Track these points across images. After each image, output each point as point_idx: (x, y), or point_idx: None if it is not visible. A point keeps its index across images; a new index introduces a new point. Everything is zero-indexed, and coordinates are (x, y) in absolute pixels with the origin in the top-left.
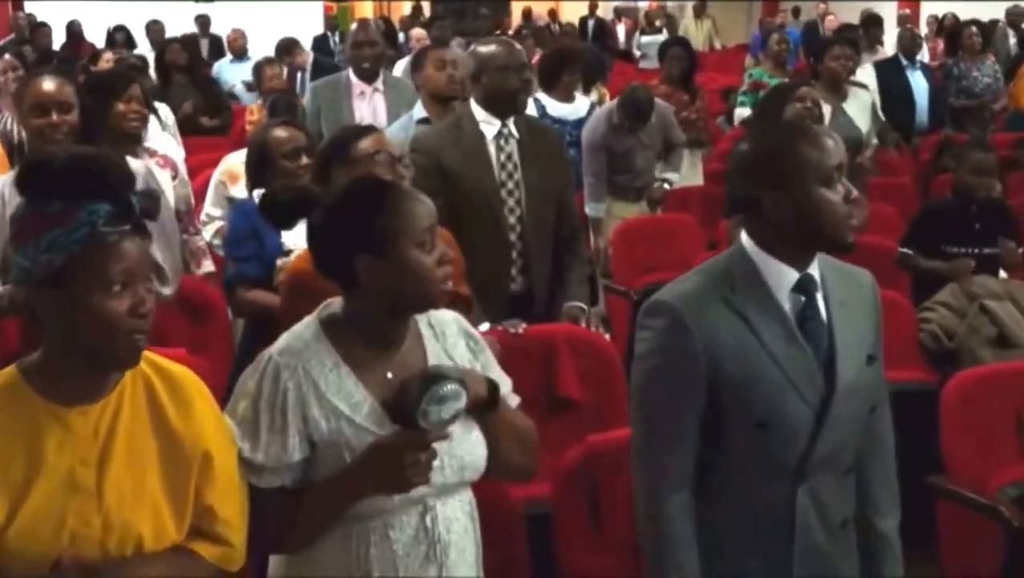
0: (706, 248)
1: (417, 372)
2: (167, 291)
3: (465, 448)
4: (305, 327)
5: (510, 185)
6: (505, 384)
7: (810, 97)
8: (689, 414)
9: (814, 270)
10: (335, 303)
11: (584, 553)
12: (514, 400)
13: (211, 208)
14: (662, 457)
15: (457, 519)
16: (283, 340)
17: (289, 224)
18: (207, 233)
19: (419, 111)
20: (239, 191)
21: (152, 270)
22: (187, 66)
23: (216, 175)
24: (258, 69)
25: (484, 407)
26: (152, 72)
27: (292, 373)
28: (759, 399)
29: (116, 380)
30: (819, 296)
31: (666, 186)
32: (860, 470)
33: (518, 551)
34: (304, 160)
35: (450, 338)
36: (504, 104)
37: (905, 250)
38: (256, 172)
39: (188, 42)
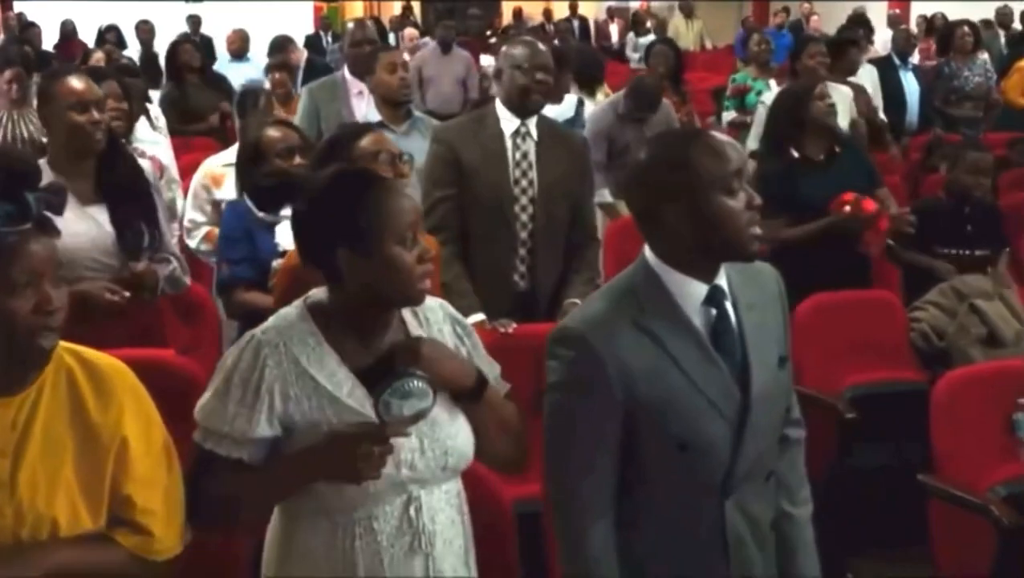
0: None
1: (399, 343)
2: (187, 279)
3: (447, 432)
4: (291, 309)
5: (523, 184)
6: (493, 370)
7: (827, 95)
8: (605, 442)
9: (721, 279)
10: (321, 290)
11: None
12: (503, 387)
13: (194, 214)
14: (580, 489)
15: (442, 510)
16: (269, 321)
17: (273, 208)
18: (194, 240)
19: (374, 115)
20: (223, 193)
21: (59, 266)
22: (200, 67)
23: (197, 180)
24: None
25: (469, 396)
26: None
27: (273, 350)
28: (677, 421)
29: (37, 374)
30: (728, 305)
31: None
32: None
33: (509, 550)
34: (298, 159)
35: (435, 324)
36: (517, 101)
37: (891, 242)
38: (249, 172)
39: (202, 42)
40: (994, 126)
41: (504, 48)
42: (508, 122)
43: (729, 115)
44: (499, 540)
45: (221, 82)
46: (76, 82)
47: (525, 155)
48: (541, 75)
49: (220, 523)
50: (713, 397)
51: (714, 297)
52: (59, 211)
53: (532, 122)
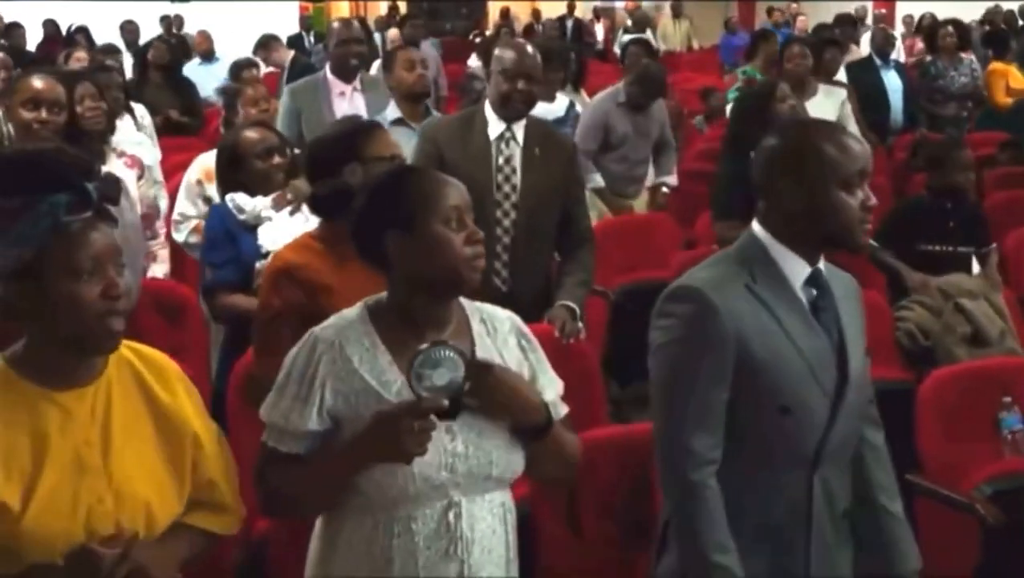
0: (682, 247)
1: (472, 359)
2: (133, 297)
3: (494, 443)
4: (351, 309)
5: (506, 188)
6: (556, 386)
7: (789, 96)
8: (718, 397)
9: (821, 267)
10: (381, 294)
11: (563, 555)
12: (563, 408)
13: (185, 207)
14: (693, 442)
15: (483, 519)
16: (330, 320)
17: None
18: (181, 233)
19: (392, 112)
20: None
21: (120, 254)
22: (167, 65)
23: (191, 174)
24: (236, 70)
25: (534, 433)
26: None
27: (328, 347)
28: (783, 384)
29: (102, 364)
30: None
31: (665, 189)
32: (862, 460)
33: None
34: (276, 159)
35: (501, 335)
36: (499, 106)
37: (874, 243)
38: (228, 173)
39: (176, 42)
40: (976, 126)
41: (496, 50)
42: (494, 125)
43: None
44: None
45: (184, 86)
46: (36, 80)
47: (509, 159)
48: (523, 83)
49: (288, 514)
50: (815, 366)
51: (816, 278)
52: (116, 201)
53: (518, 126)
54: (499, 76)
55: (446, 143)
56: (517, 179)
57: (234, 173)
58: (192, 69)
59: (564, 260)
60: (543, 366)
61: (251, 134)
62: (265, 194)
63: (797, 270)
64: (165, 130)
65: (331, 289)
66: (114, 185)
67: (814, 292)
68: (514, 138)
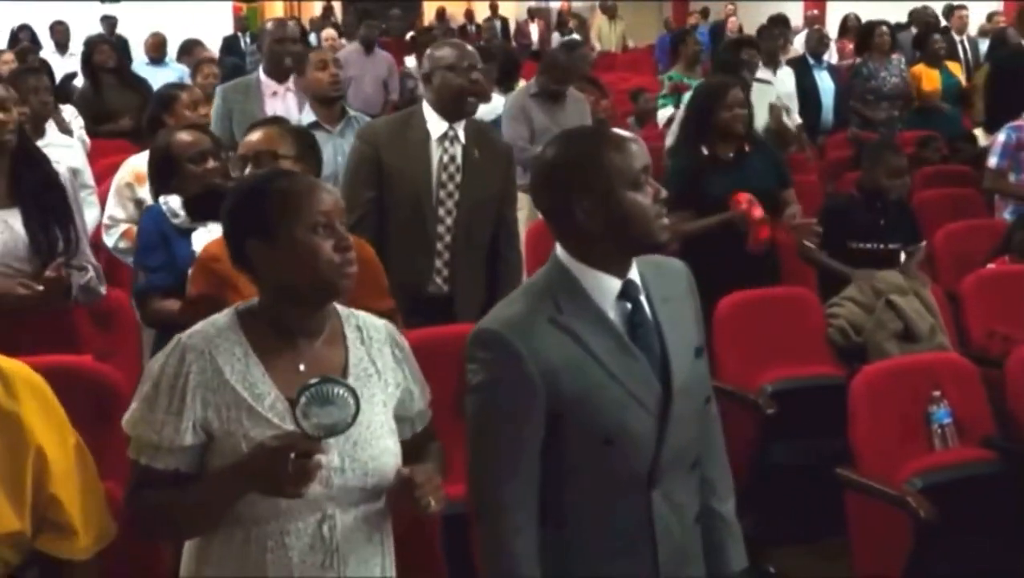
0: None
1: (403, 472)
2: (103, 289)
3: (369, 454)
4: (221, 315)
5: (450, 187)
6: (425, 394)
7: (739, 103)
8: (528, 443)
9: (633, 273)
10: (254, 298)
11: None
12: (428, 414)
13: (115, 211)
14: (501, 490)
15: (359, 529)
16: (197, 325)
17: (204, 217)
18: (112, 237)
19: (307, 115)
20: (147, 192)
21: None
22: (115, 67)
23: (121, 177)
24: (197, 67)
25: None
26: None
27: (198, 356)
28: (601, 416)
29: None
30: (643, 298)
31: None
32: (698, 461)
33: (433, 552)
34: (210, 163)
35: (376, 344)
36: (451, 104)
37: (807, 243)
38: (161, 177)
39: (117, 43)
40: (905, 124)
41: (430, 51)
42: (436, 125)
43: (666, 112)
44: (424, 542)
45: (140, 84)
46: None
47: (453, 159)
48: (476, 75)
49: (162, 536)
50: (634, 389)
51: (628, 291)
52: None
53: (460, 125)
54: (447, 73)
55: (384, 144)
56: (459, 178)
57: (167, 177)
58: (141, 70)
59: (496, 266)
60: (416, 376)
61: (184, 137)
62: None
63: (607, 289)
64: (137, 134)
65: (236, 286)
66: None
67: (628, 306)
68: (457, 137)
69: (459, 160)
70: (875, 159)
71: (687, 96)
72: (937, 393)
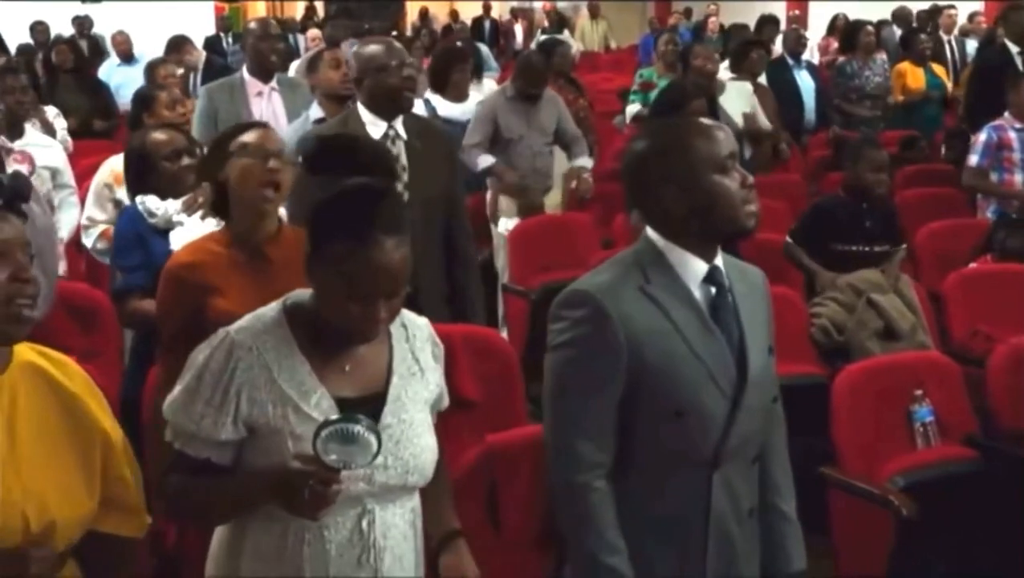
0: (602, 247)
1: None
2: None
3: (411, 452)
4: (268, 309)
5: (399, 186)
6: (444, 397)
7: (700, 112)
8: (607, 403)
9: (719, 261)
10: (301, 292)
11: (483, 552)
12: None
13: (94, 211)
14: (579, 446)
15: (396, 525)
16: (245, 320)
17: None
18: (90, 237)
19: (315, 111)
20: (125, 192)
21: (29, 245)
22: (74, 68)
23: (100, 177)
24: (150, 70)
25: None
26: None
27: (246, 352)
28: (678, 387)
29: (7, 357)
30: (726, 285)
31: (586, 176)
32: (761, 459)
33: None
34: (185, 161)
35: (418, 341)
36: (386, 104)
37: (789, 241)
38: (136, 176)
39: (75, 43)
40: (887, 124)
41: (356, 50)
42: (374, 126)
43: (634, 108)
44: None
45: (98, 87)
46: None
47: (397, 158)
48: (408, 71)
49: (190, 520)
50: (712, 368)
51: (713, 276)
52: (25, 198)
53: (399, 122)
54: (380, 74)
55: None
56: (406, 177)
57: (143, 176)
58: (112, 71)
59: (454, 265)
60: (441, 376)
61: (158, 136)
62: (175, 197)
63: (694, 270)
64: (80, 134)
65: (218, 290)
66: (23, 182)
67: (712, 290)
68: (398, 135)
69: (404, 158)
70: (856, 156)
71: (654, 95)
72: (919, 392)
